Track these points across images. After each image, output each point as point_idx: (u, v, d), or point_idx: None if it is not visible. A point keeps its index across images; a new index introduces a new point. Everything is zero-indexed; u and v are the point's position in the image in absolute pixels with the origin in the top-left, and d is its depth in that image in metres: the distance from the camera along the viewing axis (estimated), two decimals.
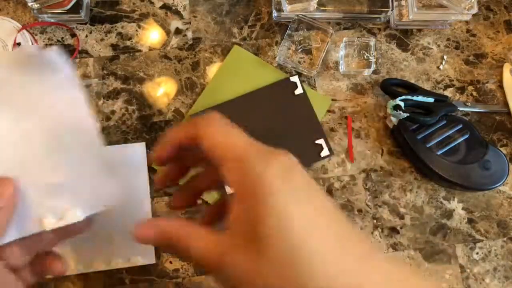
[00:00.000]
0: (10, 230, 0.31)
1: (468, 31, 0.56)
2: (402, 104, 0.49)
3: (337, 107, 0.53)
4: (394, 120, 0.50)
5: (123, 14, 0.55)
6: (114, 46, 0.54)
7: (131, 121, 0.52)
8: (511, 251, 0.50)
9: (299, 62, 0.54)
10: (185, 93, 0.53)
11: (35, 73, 0.33)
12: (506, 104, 0.53)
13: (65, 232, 0.33)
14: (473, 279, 0.49)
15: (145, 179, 0.49)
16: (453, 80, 0.54)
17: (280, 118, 0.52)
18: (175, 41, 0.54)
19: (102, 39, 0.54)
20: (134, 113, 0.52)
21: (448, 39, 0.56)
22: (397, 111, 0.49)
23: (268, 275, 0.23)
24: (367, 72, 0.53)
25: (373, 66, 0.53)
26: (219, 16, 0.55)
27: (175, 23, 0.55)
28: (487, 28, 0.56)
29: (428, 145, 0.49)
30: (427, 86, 0.54)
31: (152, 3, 0.55)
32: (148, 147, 0.51)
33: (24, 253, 0.33)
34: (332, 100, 0.53)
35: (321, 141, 0.51)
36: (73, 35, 0.54)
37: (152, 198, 0.49)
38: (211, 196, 0.48)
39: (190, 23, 0.55)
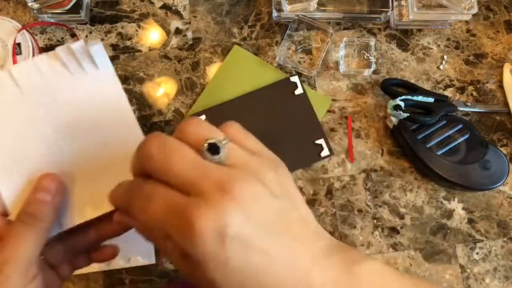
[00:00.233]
0: (54, 224, 0.32)
1: (468, 31, 0.56)
2: (402, 104, 0.49)
3: (337, 107, 0.53)
4: (394, 120, 0.50)
5: (123, 14, 0.55)
6: (114, 46, 0.54)
7: None
8: (511, 251, 0.50)
9: (299, 62, 0.54)
10: (185, 93, 0.53)
11: (78, 70, 0.35)
12: (506, 104, 0.53)
13: (106, 233, 0.35)
14: (473, 279, 0.49)
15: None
16: (453, 80, 0.54)
17: (280, 118, 0.52)
18: (175, 41, 0.54)
19: (102, 39, 0.54)
20: (134, 113, 0.52)
21: (448, 39, 0.56)
22: (397, 111, 0.48)
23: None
24: (367, 72, 0.53)
25: (373, 66, 0.53)
26: (219, 16, 0.55)
27: (175, 23, 0.55)
28: (487, 28, 0.56)
29: (428, 145, 0.49)
30: (427, 86, 0.54)
31: (152, 3, 0.55)
32: None
33: (65, 252, 0.35)
34: (332, 100, 0.53)
35: (321, 141, 0.51)
36: (73, 35, 0.54)
37: None
38: None
39: (190, 23, 0.55)
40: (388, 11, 0.53)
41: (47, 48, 0.53)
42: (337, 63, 0.54)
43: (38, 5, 0.50)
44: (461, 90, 0.54)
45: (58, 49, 0.34)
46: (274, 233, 0.24)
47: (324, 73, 0.54)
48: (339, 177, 0.51)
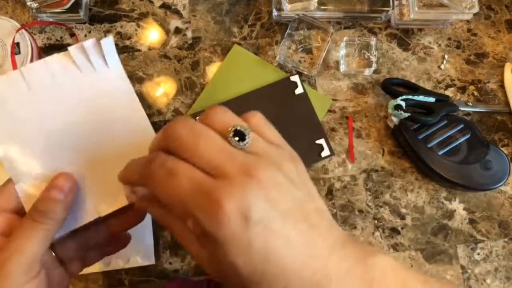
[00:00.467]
0: (67, 222, 0.33)
1: (469, 30, 0.56)
2: (403, 104, 0.48)
3: (338, 107, 0.53)
4: (395, 120, 0.50)
5: (122, 13, 0.55)
6: None
7: None
8: None
9: (300, 61, 0.53)
10: (185, 93, 0.53)
11: (88, 68, 0.36)
12: (507, 104, 0.53)
13: (116, 228, 0.36)
14: (474, 279, 0.49)
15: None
16: (454, 80, 0.54)
17: (280, 118, 0.51)
18: (174, 40, 0.54)
19: (101, 39, 0.54)
20: None
21: (449, 39, 0.55)
22: (398, 111, 0.48)
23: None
24: (367, 72, 0.53)
25: (374, 66, 0.52)
26: (219, 16, 0.55)
27: (175, 23, 0.55)
28: (488, 27, 0.56)
29: (429, 145, 0.49)
30: (428, 85, 0.54)
31: (151, 2, 0.55)
32: None
33: (77, 248, 0.35)
34: (333, 99, 0.53)
35: (321, 141, 0.51)
36: (72, 34, 0.54)
37: None
38: None
39: (189, 22, 0.55)
40: (388, 10, 0.53)
41: (46, 48, 0.53)
42: (337, 63, 0.54)
43: (37, 4, 0.50)
44: (462, 89, 0.54)
45: (70, 49, 0.35)
46: (295, 220, 0.25)
47: (325, 72, 0.54)
48: (340, 177, 0.51)
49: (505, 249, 0.50)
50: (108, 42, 0.37)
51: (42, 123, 0.34)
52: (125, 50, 0.54)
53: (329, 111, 0.53)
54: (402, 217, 0.50)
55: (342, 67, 0.53)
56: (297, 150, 0.54)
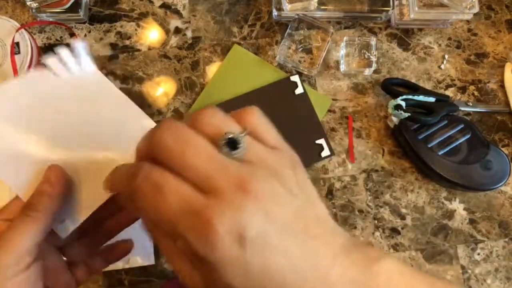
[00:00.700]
0: (67, 222, 0.33)
1: (469, 30, 0.56)
2: (403, 103, 0.48)
3: (338, 107, 0.53)
4: (395, 120, 0.50)
5: (122, 13, 0.55)
6: (113, 46, 0.54)
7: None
8: None
9: (300, 61, 0.53)
10: (185, 93, 0.53)
11: (67, 74, 0.38)
12: (507, 104, 0.53)
13: (120, 223, 0.36)
14: (474, 279, 0.49)
15: None
16: (454, 80, 0.54)
17: (280, 118, 0.51)
18: (174, 40, 0.54)
19: (101, 39, 0.54)
20: None
21: (449, 39, 0.55)
22: (398, 110, 0.48)
23: None
24: (368, 72, 0.53)
25: (374, 66, 0.52)
26: (219, 15, 0.55)
27: (175, 22, 0.55)
28: (489, 27, 0.56)
29: (429, 145, 0.49)
30: (428, 85, 0.54)
31: (151, 2, 0.55)
32: None
33: (83, 250, 0.35)
34: (333, 99, 0.53)
35: (321, 141, 0.51)
36: (72, 34, 0.54)
37: None
38: None
39: (189, 22, 0.55)
40: (389, 10, 0.53)
41: (46, 47, 0.53)
42: (337, 63, 0.54)
43: (36, 4, 0.50)
44: (462, 89, 0.54)
45: (44, 59, 0.36)
46: (294, 233, 0.23)
47: (325, 72, 0.54)
48: (340, 177, 0.51)
49: (505, 249, 0.50)
50: (79, 44, 0.38)
51: (33, 127, 0.35)
52: (125, 50, 0.53)
53: (329, 111, 0.53)
54: (402, 217, 0.50)
55: (342, 67, 0.53)
56: (297, 150, 0.53)
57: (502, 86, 0.54)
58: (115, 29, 0.54)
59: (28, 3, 0.50)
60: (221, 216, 0.21)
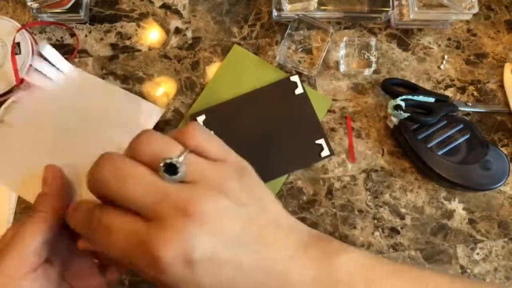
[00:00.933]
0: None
1: (468, 30, 0.56)
2: (402, 104, 0.48)
3: (338, 107, 0.53)
4: (394, 120, 0.50)
5: (123, 13, 0.55)
6: (113, 46, 0.54)
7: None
8: None
9: (299, 61, 0.53)
10: (185, 93, 0.53)
11: (49, 83, 0.42)
12: (507, 104, 0.53)
13: None
14: (473, 279, 0.49)
15: None
16: (453, 80, 0.54)
17: (280, 118, 0.52)
18: (174, 40, 0.54)
19: (101, 39, 0.54)
20: None
21: (448, 39, 0.55)
22: (397, 111, 0.48)
23: None
24: (367, 72, 0.53)
25: (374, 66, 0.52)
26: (219, 16, 0.55)
27: (175, 23, 0.55)
28: (488, 27, 0.56)
29: (428, 145, 0.49)
30: (427, 86, 0.54)
31: (151, 2, 0.55)
32: None
33: None
34: (333, 100, 0.53)
35: (321, 141, 0.51)
36: (73, 34, 0.54)
37: None
38: None
39: (189, 22, 0.55)
40: (388, 10, 0.53)
41: None
42: (337, 63, 0.54)
43: (37, 4, 0.50)
44: (462, 90, 0.54)
45: (26, 77, 0.39)
46: (245, 243, 0.24)
47: (325, 72, 0.54)
48: (340, 177, 0.51)
49: (505, 249, 0.50)
50: (48, 51, 0.39)
51: (38, 134, 0.37)
52: (125, 50, 0.54)
53: (329, 111, 0.53)
54: (402, 217, 0.50)
55: (342, 67, 0.53)
56: (297, 150, 0.54)
57: (501, 86, 0.54)
58: (116, 29, 0.54)
59: (28, 4, 0.50)
60: (166, 244, 0.22)
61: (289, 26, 0.53)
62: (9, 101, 0.37)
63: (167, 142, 0.25)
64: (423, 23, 0.55)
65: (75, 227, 0.28)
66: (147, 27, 0.55)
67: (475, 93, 0.54)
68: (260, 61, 0.54)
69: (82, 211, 0.27)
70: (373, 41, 0.53)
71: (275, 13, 0.54)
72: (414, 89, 0.52)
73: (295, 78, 0.52)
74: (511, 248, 0.50)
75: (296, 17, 0.53)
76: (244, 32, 0.55)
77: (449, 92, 0.54)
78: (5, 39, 0.49)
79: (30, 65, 0.49)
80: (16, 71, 0.48)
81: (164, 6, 0.55)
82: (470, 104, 0.53)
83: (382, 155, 0.52)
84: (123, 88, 0.52)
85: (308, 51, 0.54)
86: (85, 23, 0.54)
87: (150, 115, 0.37)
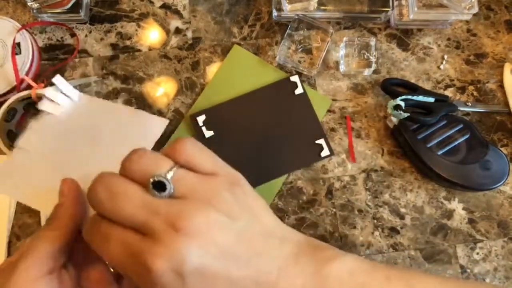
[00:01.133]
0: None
1: (468, 30, 0.56)
2: (402, 104, 0.49)
3: (338, 107, 0.53)
4: (394, 120, 0.50)
5: (123, 13, 0.55)
6: (113, 46, 0.54)
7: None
8: None
9: (299, 61, 0.53)
10: (185, 93, 0.53)
11: (61, 111, 0.46)
12: (506, 104, 0.53)
13: None
14: (473, 279, 0.49)
15: None
16: (453, 80, 0.54)
17: (280, 118, 0.52)
18: (175, 40, 0.54)
19: (101, 39, 0.54)
20: None
21: (448, 39, 0.55)
22: (397, 111, 0.48)
23: None
24: (367, 72, 0.53)
25: (374, 66, 0.52)
26: (219, 16, 0.55)
27: (175, 23, 0.55)
28: (488, 27, 0.56)
29: (428, 145, 0.49)
30: (427, 86, 0.54)
31: (151, 2, 0.55)
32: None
33: None
34: (332, 100, 0.53)
35: (321, 141, 0.51)
36: (73, 34, 0.54)
37: None
38: None
39: (190, 22, 0.55)
40: (388, 10, 0.53)
41: (47, 48, 0.53)
42: (337, 63, 0.54)
43: (37, 4, 0.50)
44: (462, 90, 0.54)
45: (39, 106, 0.44)
46: (236, 256, 0.24)
47: (324, 72, 0.54)
48: (339, 177, 0.51)
49: (504, 249, 0.50)
50: (59, 81, 0.45)
51: (57, 155, 0.41)
52: (126, 50, 0.54)
53: (329, 111, 0.53)
54: (402, 217, 0.50)
55: (342, 67, 0.53)
56: (297, 150, 0.54)
57: (501, 86, 0.54)
58: (116, 29, 0.54)
59: (29, 4, 0.50)
60: (157, 257, 0.23)
61: (289, 26, 0.53)
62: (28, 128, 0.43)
63: (156, 159, 0.26)
64: (422, 23, 0.55)
65: (84, 235, 0.29)
66: (147, 27, 0.55)
67: (475, 93, 0.54)
68: (260, 61, 0.54)
69: (89, 220, 0.28)
70: (373, 41, 0.53)
71: (275, 13, 0.54)
72: (413, 89, 0.52)
73: (295, 78, 0.53)
74: (511, 248, 0.50)
75: (296, 17, 0.53)
76: (244, 32, 0.55)
77: (448, 92, 0.54)
78: (5, 39, 0.49)
79: (31, 65, 0.50)
80: (16, 71, 0.48)
81: (164, 6, 0.55)
82: (470, 104, 0.53)
83: (382, 155, 0.52)
84: (123, 88, 0.52)
85: (308, 51, 0.54)
86: (85, 23, 0.54)
87: (155, 128, 0.40)
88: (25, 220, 0.47)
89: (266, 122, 0.51)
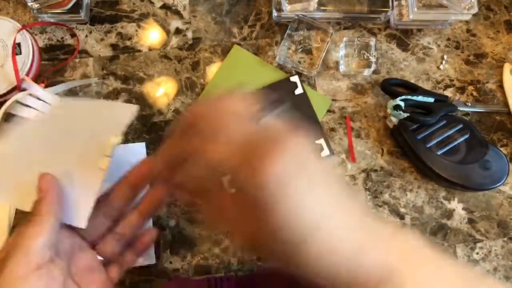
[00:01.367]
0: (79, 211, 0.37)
1: (468, 31, 0.56)
2: (402, 104, 0.49)
3: (337, 107, 0.53)
4: (394, 120, 0.50)
5: (123, 14, 0.55)
6: (114, 46, 0.54)
7: (131, 121, 0.52)
8: (511, 251, 0.50)
9: (299, 62, 0.53)
10: (185, 93, 0.53)
11: (38, 114, 0.45)
12: (506, 104, 0.53)
13: (148, 207, 0.39)
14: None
15: None
16: (453, 80, 0.54)
17: (280, 118, 0.52)
18: (175, 41, 0.54)
19: (102, 39, 0.54)
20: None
21: (448, 39, 0.56)
22: (397, 111, 0.48)
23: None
24: (367, 72, 0.53)
25: (373, 66, 0.52)
26: (219, 16, 0.55)
27: (175, 23, 0.55)
28: (487, 28, 0.56)
29: (428, 145, 0.49)
30: (427, 86, 0.54)
31: (152, 3, 0.55)
32: (148, 147, 0.51)
33: (116, 243, 0.38)
34: (332, 100, 0.53)
35: (321, 141, 0.51)
36: (73, 35, 0.54)
37: None
38: None
39: (190, 23, 0.55)
40: (388, 11, 0.53)
41: (47, 48, 0.53)
42: (337, 63, 0.54)
43: (38, 5, 0.50)
44: (461, 90, 0.54)
45: (13, 111, 0.45)
46: (325, 183, 0.28)
47: (324, 73, 0.54)
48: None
49: (504, 249, 0.50)
50: (29, 85, 0.45)
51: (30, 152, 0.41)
52: (126, 50, 0.54)
53: (329, 111, 0.53)
54: (401, 217, 0.50)
55: (342, 68, 0.54)
56: None
57: (500, 86, 0.54)
58: (116, 29, 0.54)
59: (29, 4, 0.50)
60: (274, 161, 0.26)
61: (289, 27, 0.53)
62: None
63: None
64: (422, 23, 0.55)
65: (173, 147, 0.31)
66: (148, 27, 0.55)
67: (475, 93, 0.54)
68: (260, 62, 0.54)
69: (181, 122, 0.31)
70: (372, 41, 0.53)
71: (275, 13, 0.54)
72: (413, 89, 0.52)
73: (295, 79, 0.53)
74: (511, 248, 0.50)
75: (296, 17, 0.53)
76: (244, 33, 0.55)
77: (448, 92, 0.54)
78: (5, 40, 0.49)
79: (31, 65, 0.50)
80: (16, 71, 0.48)
81: (165, 6, 0.55)
82: (470, 104, 0.53)
83: (382, 155, 0.52)
84: (123, 89, 0.53)
85: (308, 52, 0.54)
86: (85, 24, 0.54)
87: (126, 113, 0.41)
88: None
89: None
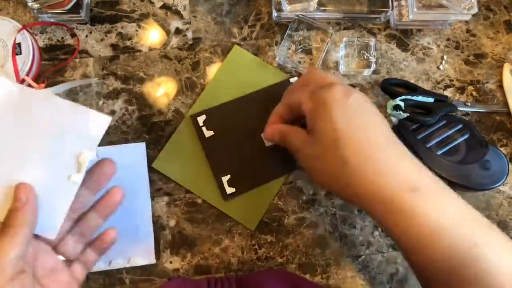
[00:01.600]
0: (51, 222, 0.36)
1: (468, 31, 0.56)
2: (402, 104, 0.49)
3: None
4: (394, 120, 0.50)
5: (123, 14, 0.55)
6: (114, 46, 0.54)
7: (131, 121, 0.52)
8: None
9: (299, 62, 0.54)
10: (185, 93, 0.53)
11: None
12: (506, 104, 0.53)
13: (105, 208, 0.40)
14: None
15: (145, 180, 0.49)
16: (453, 80, 0.54)
17: None
18: (175, 41, 0.54)
19: (102, 39, 0.54)
20: (134, 113, 0.52)
21: (448, 39, 0.56)
22: (397, 111, 0.48)
23: (319, 155, 0.40)
24: (367, 72, 0.53)
25: (373, 66, 0.53)
26: (219, 16, 0.55)
27: (175, 23, 0.55)
28: (487, 28, 0.56)
29: (428, 145, 0.49)
30: (427, 86, 0.54)
31: (152, 3, 0.55)
32: (148, 147, 0.51)
33: (77, 243, 0.39)
34: None
35: None
36: (73, 35, 0.54)
37: (152, 198, 0.49)
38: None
39: (190, 23, 0.55)
40: (388, 11, 0.53)
41: (48, 48, 0.53)
42: (337, 63, 0.54)
43: (38, 5, 0.50)
44: (461, 90, 0.54)
45: (24, 77, 0.43)
46: (379, 121, 0.42)
47: None
48: None
49: None
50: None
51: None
52: (126, 50, 0.54)
53: None
54: None
55: (342, 68, 0.54)
56: None
57: (500, 86, 0.54)
58: (116, 29, 0.54)
59: (29, 4, 0.50)
60: (339, 84, 0.41)
61: (289, 27, 0.53)
62: None
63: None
64: (422, 23, 0.55)
65: (288, 98, 0.46)
66: (148, 27, 0.55)
67: (474, 93, 0.54)
68: (260, 62, 0.54)
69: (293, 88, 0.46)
70: (372, 41, 0.53)
71: (275, 13, 0.54)
72: (413, 89, 0.52)
73: (295, 79, 0.53)
74: None
75: (296, 17, 0.53)
76: (244, 33, 0.55)
77: (448, 92, 0.54)
78: (6, 40, 0.49)
79: (31, 65, 0.50)
80: (17, 71, 0.48)
81: (165, 6, 0.55)
82: (469, 104, 0.53)
83: None
84: (124, 89, 0.53)
85: (308, 52, 0.54)
86: (85, 24, 0.54)
87: (100, 123, 0.39)
88: None
89: (266, 122, 0.51)
